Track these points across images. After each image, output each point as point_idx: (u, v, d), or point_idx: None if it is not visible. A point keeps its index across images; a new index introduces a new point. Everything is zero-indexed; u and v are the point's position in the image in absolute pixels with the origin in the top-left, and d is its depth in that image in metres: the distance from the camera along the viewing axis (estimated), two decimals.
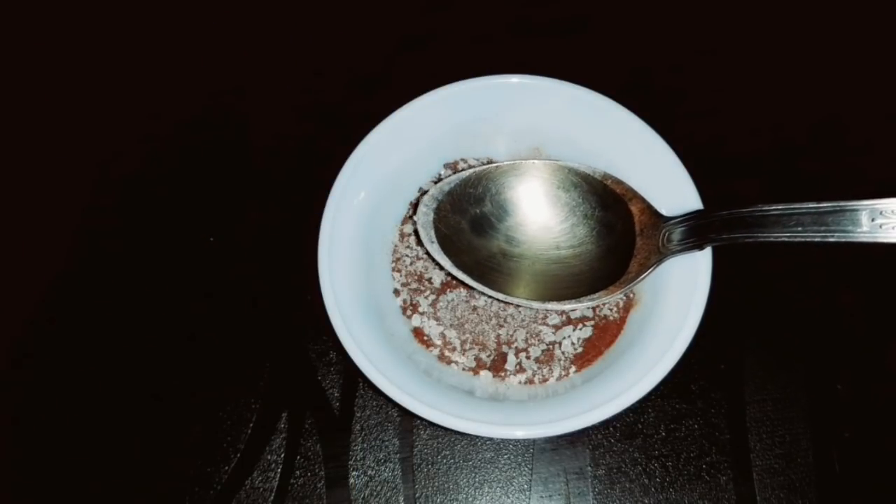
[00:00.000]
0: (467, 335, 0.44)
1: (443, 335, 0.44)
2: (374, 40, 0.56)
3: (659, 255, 0.40)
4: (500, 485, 0.44)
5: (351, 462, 0.45)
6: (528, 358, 0.43)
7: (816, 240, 0.35)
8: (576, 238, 0.42)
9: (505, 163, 0.42)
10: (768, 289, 0.48)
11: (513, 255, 0.42)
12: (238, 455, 0.45)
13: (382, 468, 0.45)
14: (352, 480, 0.44)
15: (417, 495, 0.44)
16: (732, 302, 0.46)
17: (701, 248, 0.38)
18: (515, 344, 0.43)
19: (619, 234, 0.41)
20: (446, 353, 0.43)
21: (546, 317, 0.44)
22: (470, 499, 0.44)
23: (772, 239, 0.36)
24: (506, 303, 0.43)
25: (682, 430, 0.45)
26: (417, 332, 0.44)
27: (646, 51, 0.55)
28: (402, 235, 0.46)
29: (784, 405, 0.45)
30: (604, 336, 0.43)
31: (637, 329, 0.42)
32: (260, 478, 0.45)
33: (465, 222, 0.42)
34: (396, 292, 0.45)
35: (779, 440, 0.44)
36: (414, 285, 0.45)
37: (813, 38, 0.55)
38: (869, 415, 0.45)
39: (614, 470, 0.44)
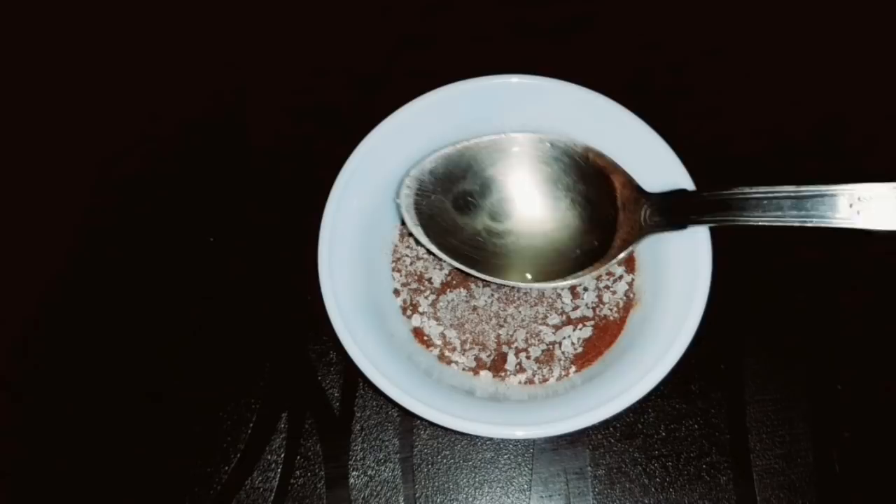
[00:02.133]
0: (467, 335, 0.44)
1: (443, 335, 0.44)
2: (374, 40, 0.56)
3: (640, 231, 0.40)
4: (500, 485, 0.44)
5: (351, 462, 0.45)
6: (528, 358, 0.43)
7: (796, 224, 0.35)
8: (559, 212, 0.42)
9: (486, 138, 0.42)
10: (768, 289, 0.48)
11: (497, 231, 0.42)
12: (238, 455, 0.45)
13: (382, 468, 0.45)
14: (352, 480, 0.44)
15: (417, 495, 0.44)
16: (732, 302, 0.46)
17: (682, 227, 0.38)
18: (515, 344, 0.43)
19: (601, 208, 0.41)
20: (446, 353, 0.43)
21: (546, 317, 0.44)
22: (470, 499, 0.44)
23: (752, 223, 0.36)
24: (495, 283, 0.43)
25: (682, 430, 0.45)
26: (417, 332, 0.44)
27: (647, 51, 0.55)
28: (402, 235, 0.46)
29: (784, 405, 0.45)
30: (604, 336, 0.43)
31: (637, 329, 0.42)
32: (260, 478, 0.45)
33: (448, 201, 0.42)
34: (396, 292, 0.45)
35: (779, 440, 0.44)
36: (414, 285, 0.45)
37: (814, 39, 0.55)
38: (869, 415, 0.45)
39: (614, 470, 0.44)
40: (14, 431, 0.47)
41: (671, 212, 0.39)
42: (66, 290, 0.50)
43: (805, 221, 0.35)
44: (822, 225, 0.35)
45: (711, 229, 0.39)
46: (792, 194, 0.35)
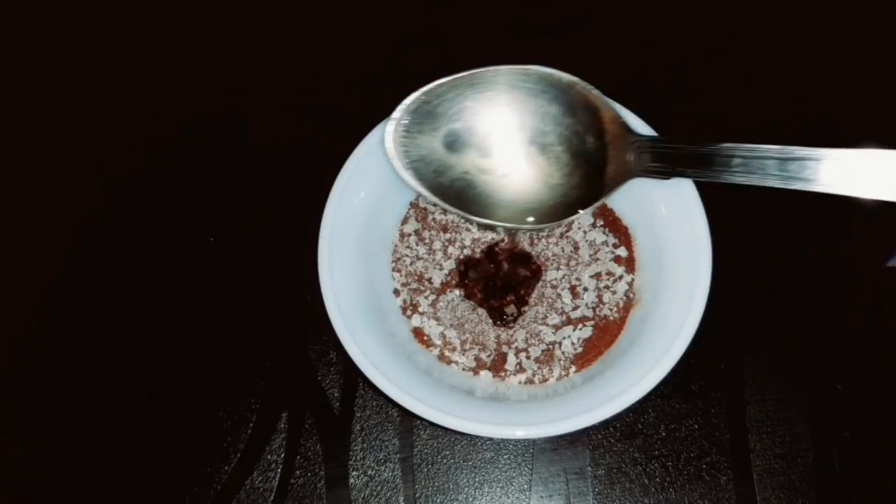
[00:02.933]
0: (467, 335, 0.44)
1: (443, 335, 0.44)
2: (374, 40, 0.56)
3: (627, 172, 0.39)
4: (500, 485, 0.44)
5: (351, 462, 0.45)
6: (528, 358, 0.43)
7: (778, 186, 0.35)
8: (547, 145, 0.41)
9: (468, 73, 0.41)
10: (769, 288, 0.48)
11: (485, 168, 0.41)
12: (238, 455, 0.45)
13: (382, 468, 0.45)
14: (352, 480, 0.44)
15: (417, 495, 0.44)
16: (732, 301, 0.46)
17: (668, 177, 0.38)
18: (515, 344, 0.43)
19: (589, 142, 0.41)
20: (446, 353, 0.43)
21: (546, 317, 0.44)
22: (470, 499, 0.44)
23: (736, 181, 0.36)
24: (487, 226, 0.43)
25: (682, 430, 0.45)
26: (417, 332, 0.44)
27: (647, 51, 0.55)
28: (402, 235, 0.46)
29: (784, 405, 0.45)
30: (604, 336, 0.43)
31: (637, 329, 0.42)
32: (260, 478, 0.45)
33: (436, 140, 0.41)
34: (396, 292, 0.45)
35: (779, 440, 0.44)
36: (414, 285, 0.45)
37: (815, 38, 0.55)
38: (869, 415, 0.45)
39: (614, 470, 0.44)
40: (14, 431, 0.47)
41: (658, 160, 0.39)
42: (66, 290, 0.50)
43: (788, 183, 0.35)
44: (806, 189, 0.34)
45: (697, 183, 0.39)
46: (776, 155, 0.35)
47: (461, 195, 0.41)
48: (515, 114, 0.41)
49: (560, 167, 0.41)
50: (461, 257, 0.45)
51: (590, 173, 0.40)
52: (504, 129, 0.41)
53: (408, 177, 0.40)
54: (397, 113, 0.40)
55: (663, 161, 0.39)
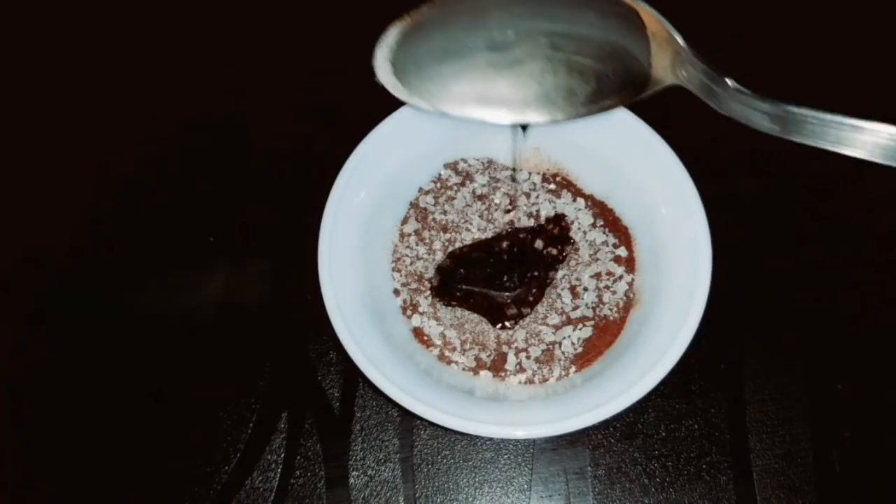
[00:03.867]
0: (467, 335, 0.44)
1: (443, 335, 0.44)
2: (373, 40, 0.56)
3: (674, 76, 0.35)
4: (500, 485, 0.44)
5: (351, 462, 0.45)
6: (528, 358, 0.43)
7: (846, 153, 0.33)
8: (574, 40, 0.36)
9: None
10: (768, 288, 0.48)
11: (503, 60, 0.36)
12: (238, 455, 0.45)
13: (382, 468, 0.45)
14: (352, 480, 0.44)
15: (417, 495, 0.44)
16: (732, 301, 0.46)
17: (719, 108, 0.35)
18: (515, 344, 0.43)
19: (628, 31, 0.36)
20: (446, 353, 0.43)
21: (546, 317, 0.44)
22: (470, 499, 0.44)
23: (809, 142, 0.33)
24: (516, 125, 0.38)
25: (682, 430, 0.45)
26: (417, 332, 0.44)
27: None
28: (402, 235, 0.46)
29: (784, 405, 0.45)
30: (604, 336, 0.43)
31: (637, 329, 0.42)
32: (260, 478, 0.45)
33: (434, 52, 0.37)
34: (396, 292, 0.45)
35: (779, 440, 0.44)
36: (414, 285, 0.45)
37: (815, 38, 0.55)
38: (869, 415, 0.45)
39: (614, 470, 0.44)
40: (14, 431, 0.47)
41: (716, 88, 0.35)
42: (66, 289, 0.50)
43: (853, 153, 0.32)
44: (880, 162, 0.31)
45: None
46: (855, 125, 0.32)
47: (481, 98, 0.36)
48: (526, 8, 0.36)
49: (597, 53, 0.36)
50: (454, 251, 0.45)
51: (629, 63, 0.36)
52: (515, 22, 0.36)
53: (420, 102, 0.36)
54: (380, 50, 0.37)
55: (723, 97, 0.34)
